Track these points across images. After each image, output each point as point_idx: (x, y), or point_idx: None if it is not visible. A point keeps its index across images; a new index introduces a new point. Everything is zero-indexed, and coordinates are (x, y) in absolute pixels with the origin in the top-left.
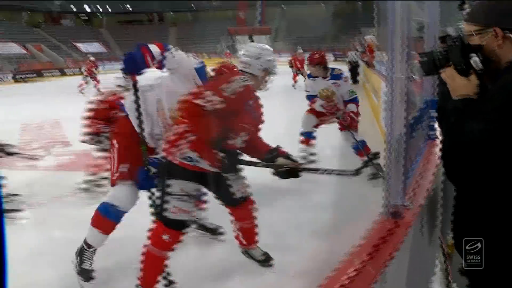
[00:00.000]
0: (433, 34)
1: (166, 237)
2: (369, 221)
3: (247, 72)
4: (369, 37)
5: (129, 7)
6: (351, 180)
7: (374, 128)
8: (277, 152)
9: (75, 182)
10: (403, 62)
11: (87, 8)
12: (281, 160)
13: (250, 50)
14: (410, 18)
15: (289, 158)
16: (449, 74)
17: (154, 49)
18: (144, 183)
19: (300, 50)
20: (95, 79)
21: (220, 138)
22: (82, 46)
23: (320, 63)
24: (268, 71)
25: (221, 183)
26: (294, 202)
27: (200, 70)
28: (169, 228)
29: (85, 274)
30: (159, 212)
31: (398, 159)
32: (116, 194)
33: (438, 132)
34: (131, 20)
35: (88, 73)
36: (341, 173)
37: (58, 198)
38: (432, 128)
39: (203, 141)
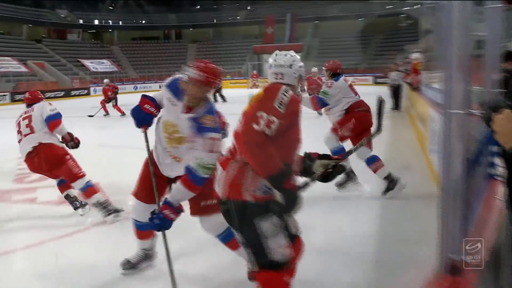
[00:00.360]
0: (494, 51)
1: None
2: (418, 274)
3: (282, 83)
4: (414, 56)
5: (143, 22)
6: (395, 222)
7: (420, 161)
8: (310, 157)
9: (78, 218)
10: (461, 94)
11: (96, 21)
12: (318, 164)
13: (282, 59)
14: (470, 43)
15: (325, 157)
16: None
17: (157, 93)
18: (152, 224)
19: (315, 69)
20: (114, 105)
21: (288, 164)
22: (90, 64)
23: (329, 69)
24: (301, 78)
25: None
26: (328, 246)
27: (171, 86)
28: (281, 272)
29: (126, 263)
30: (263, 261)
31: (455, 205)
32: (132, 206)
33: (501, 170)
34: (145, 36)
35: (106, 98)
36: (369, 138)
37: (61, 236)
38: (493, 165)
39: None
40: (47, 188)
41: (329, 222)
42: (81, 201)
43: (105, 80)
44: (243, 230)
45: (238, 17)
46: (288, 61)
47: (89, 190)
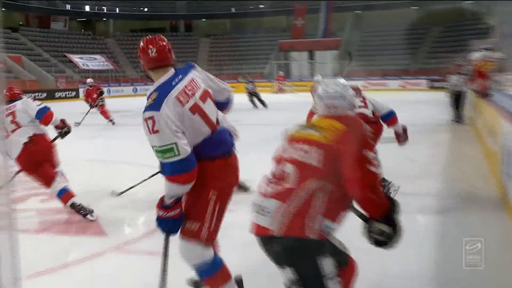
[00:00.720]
0: None
1: None
2: None
3: (338, 115)
4: (476, 55)
5: (145, 10)
6: (455, 264)
7: (489, 186)
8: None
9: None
10: None
11: (87, 7)
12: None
13: (334, 89)
14: None
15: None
16: None
17: None
18: None
19: (318, 77)
20: (101, 108)
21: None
22: (79, 60)
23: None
24: (352, 106)
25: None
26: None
27: None
28: None
29: (192, 282)
30: None
31: None
32: None
33: None
34: (147, 27)
35: (87, 101)
36: None
37: (40, 273)
38: None
39: (340, 206)
40: (24, 212)
41: (367, 259)
42: (88, 208)
43: (89, 80)
44: (301, 268)
45: (261, 6)
46: (340, 90)
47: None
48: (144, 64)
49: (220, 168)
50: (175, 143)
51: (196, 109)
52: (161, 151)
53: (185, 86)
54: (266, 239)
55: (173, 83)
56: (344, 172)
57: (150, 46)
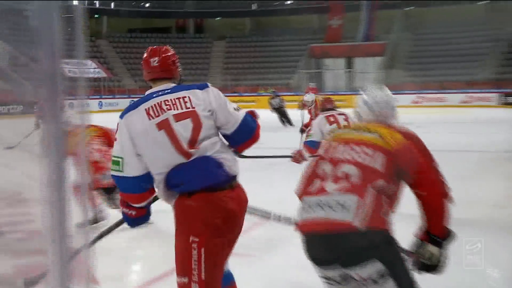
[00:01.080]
0: None
1: None
2: None
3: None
4: None
5: (146, 5)
6: None
7: None
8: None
9: None
10: None
11: (74, 2)
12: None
13: (383, 98)
14: None
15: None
16: None
17: None
18: None
19: (310, 96)
20: None
21: None
22: (65, 66)
23: (321, 106)
24: (396, 116)
25: None
26: None
27: None
28: None
29: None
30: None
31: None
32: None
33: None
34: (149, 26)
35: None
36: None
37: None
38: None
39: (398, 199)
40: None
41: None
42: None
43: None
44: (391, 260)
45: (288, 3)
46: (388, 99)
47: None
48: (145, 75)
49: (198, 205)
50: (122, 158)
51: (163, 126)
52: (111, 161)
53: (164, 101)
54: (339, 235)
55: (154, 95)
56: (419, 182)
57: (153, 56)
